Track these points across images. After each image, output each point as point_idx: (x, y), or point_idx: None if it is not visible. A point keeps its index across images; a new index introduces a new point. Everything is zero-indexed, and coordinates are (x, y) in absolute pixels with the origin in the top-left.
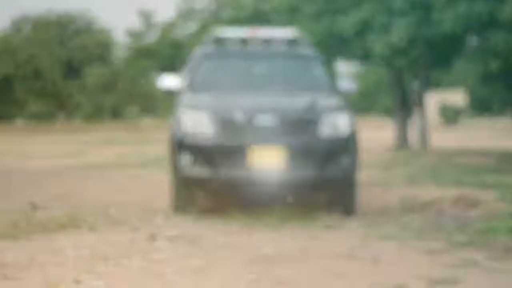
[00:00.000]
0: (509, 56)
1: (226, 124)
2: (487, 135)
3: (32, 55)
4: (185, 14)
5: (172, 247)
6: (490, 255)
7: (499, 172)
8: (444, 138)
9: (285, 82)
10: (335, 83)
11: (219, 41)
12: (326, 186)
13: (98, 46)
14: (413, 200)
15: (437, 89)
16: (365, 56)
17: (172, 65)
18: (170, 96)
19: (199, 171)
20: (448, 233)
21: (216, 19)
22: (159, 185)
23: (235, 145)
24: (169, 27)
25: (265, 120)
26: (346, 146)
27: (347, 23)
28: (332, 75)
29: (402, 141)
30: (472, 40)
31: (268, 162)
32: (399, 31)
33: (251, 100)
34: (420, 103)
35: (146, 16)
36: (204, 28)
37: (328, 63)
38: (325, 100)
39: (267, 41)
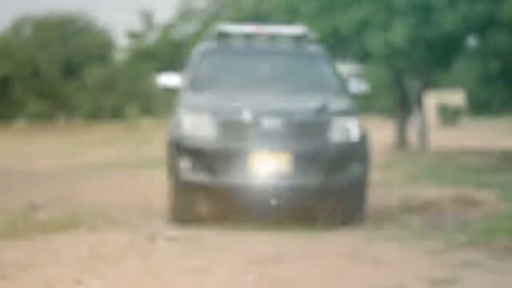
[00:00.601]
0: (509, 56)
1: (228, 127)
2: (487, 135)
3: (32, 56)
4: (185, 15)
5: (171, 247)
6: (491, 255)
7: (499, 172)
8: (444, 138)
9: (291, 81)
10: (344, 83)
11: (222, 36)
12: (334, 194)
13: (98, 47)
14: (413, 200)
15: (437, 89)
16: (364, 56)
17: (171, 66)
18: (170, 96)
19: (199, 176)
20: (448, 233)
21: (215, 19)
22: (159, 185)
23: (237, 149)
24: (168, 27)
25: (270, 123)
26: (357, 152)
27: (346, 21)
28: (340, 75)
29: (402, 141)
30: (472, 41)
31: (273, 168)
32: (400, 31)
33: (255, 101)
34: (419, 103)
35: (145, 17)
36: (204, 28)
37: None
38: (334, 102)
39: (272, 37)
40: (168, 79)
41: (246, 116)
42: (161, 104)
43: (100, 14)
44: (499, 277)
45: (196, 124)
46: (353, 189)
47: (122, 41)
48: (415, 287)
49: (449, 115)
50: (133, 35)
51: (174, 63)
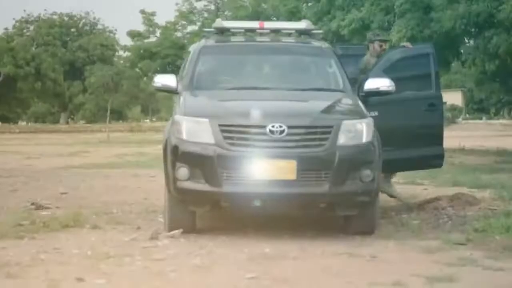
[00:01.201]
0: (507, 56)
1: (229, 131)
2: (484, 134)
3: (35, 56)
4: (186, 15)
5: (173, 246)
6: (488, 253)
7: (496, 171)
8: None
9: (296, 80)
10: (352, 81)
11: (221, 33)
12: (344, 202)
13: (101, 47)
14: (411, 199)
15: None
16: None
17: (174, 66)
18: (172, 96)
19: (198, 185)
20: (445, 232)
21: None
22: (161, 184)
23: (239, 156)
24: (169, 27)
25: (274, 127)
26: (367, 157)
27: (346, 23)
28: (346, 72)
29: None
30: (471, 41)
31: (277, 175)
32: (398, 30)
33: (257, 103)
34: None
35: (147, 17)
36: (204, 27)
37: None
38: (342, 104)
39: (275, 32)
40: (165, 80)
41: (248, 120)
42: (163, 105)
43: (103, 15)
44: (495, 275)
45: (194, 129)
46: (364, 196)
47: (125, 42)
48: (413, 285)
49: (447, 115)
50: (135, 36)
51: (175, 62)
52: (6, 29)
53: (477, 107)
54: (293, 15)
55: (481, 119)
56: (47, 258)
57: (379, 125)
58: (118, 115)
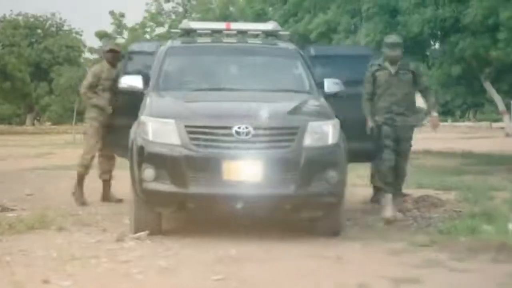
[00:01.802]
0: (471, 60)
1: (194, 133)
2: (449, 137)
3: (0, 57)
4: (154, 16)
5: (139, 247)
6: (453, 255)
7: (462, 173)
8: None
9: (262, 81)
10: (318, 83)
11: (188, 34)
12: (309, 204)
13: (66, 48)
14: (373, 204)
15: None
16: None
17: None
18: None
19: (164, 186)
20: (411, 234)
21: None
22: (127, 186)
23: (205, 157)
24: (137, 28)
25: (240, 128)
26: (333, 158)
27: (313, 26)
28: (314, 74)
29: None
30: (437, 44)
31: (243, 176)
32: (366, 34)
33: (223, 104)
34: None
35: (116, 18)
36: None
37: None
38: (308, 105)
39: (242, 33)
40: (131, 81)
41: (214, 121)
42: None
43: (73, 16)
44: (460, 277)
45: (160, 130)
46: (330, 197)
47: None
48: (378, 286)
49: None
50: (103, 36)
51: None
52: None
53: (443, 110)
54: (260, 17)
55: (446, 121)
56: (12, 260)
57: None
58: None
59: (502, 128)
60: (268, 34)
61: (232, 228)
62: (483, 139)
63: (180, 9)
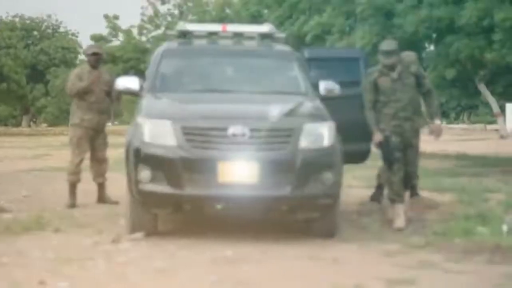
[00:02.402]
0: (466, 62)
1: (190, 134)
2: (444, 139)
3: None
4: (150, 19)
5: (135, 249)
6: (447, 256)
7: (457, 175)
8: None
9: (258, 83)
10: (314, 84)
11: (184, 36)
12: (305, 205)
13: (62, 50)
14: (372, 202)
15: None
16: None
17: (136, 70)
18: (135, 100)
19: (160, 187)
20: (406, 235)
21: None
22: (123, 188)
23: (201, 158)
24: (132, 31)
25: (236, 130)
26: (329, 160)
27: (308, 28)
28: (309, 76)
29: None
30: (431, 46)
31: (239, 178)
32: (363, 37)
33: (219, 106)
34: None
35: (111, 21)
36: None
37: None
38: (304, 107)
39: (237, 36)
40: (127, 83)
41: (210, 122)
42: (125, 108)
43: (68, 18)
44: (455, 278)
45: (156, 131)
46: (325, 199)
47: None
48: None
49: None
50: (98, 39)
51: (138, 66)
52: None
53: None
54: (255, 19)
55: (441, 123)
56: (9, 261)
57: None
58: None
59: (497, 130)
60: (264, 36)
61: (228, 230)
62: (477, 141)
63: (176, 12)
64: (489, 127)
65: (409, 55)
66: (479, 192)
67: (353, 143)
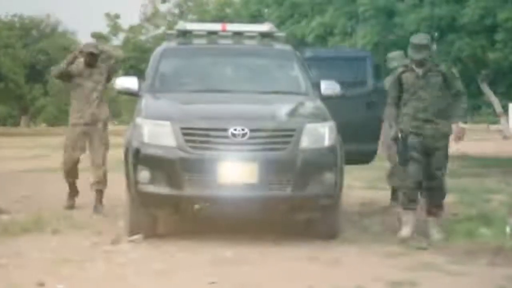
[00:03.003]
0: (468, 61)
1: (190, 135)
2: None
3: None
4: (150, 18)
5: (134, 250)
6: (449, 258)
7: (459, 175)
8: None
9: (258, 83)
10: (314, 84)
11: (183, 35)
12: (306, 206)
13: (62, 49)
14: (372, 203)
15: None
16: None
17: (136, 69)
18: (134, 100)
19: (159, 188)
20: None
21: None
22: (122, 188)
23: (201, 159)
24: (132, 30)
25: (236, 130)
26: (330, 160)
27: (308, 27)
28: (310, 76)
29: None
30: (434, 45)
31: (240, 178)
32: (363, 35)
33: (219, 106)
34: None
35: (111, 20)
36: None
37: None
38: (305, 107)
39: (238, 35)
40: (126, 82)
41: (210, 123)
42: (125, 108)
43: (66, 17)
44: (457, 280)
45: (156, 132)
46: (326, 199)
47: None
48: None
49: None
50: (98, 37)
51: (139, 66)
52: None
53: None
54: (255, 19)
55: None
56: (7, 262)
57: None
58: None
59: (500, 130)
60: (264, 35)
61: (228, 231)
62: (480, 141)
63: (176, 11)
64: (492, 127)
65: None
66: (481, 193)
67: (359, 143)
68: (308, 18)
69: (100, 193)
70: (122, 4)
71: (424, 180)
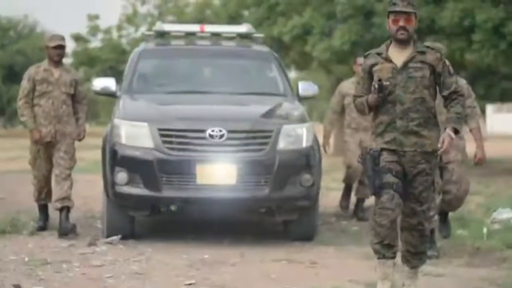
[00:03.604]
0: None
1: (167, 136)
2: None
3: None
4: (129, 19)
5: (111, 252)
6: (427, 259)
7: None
8: None
9: (236, 84)
10: (291, 86)
11: (161, 36)
12: (283, 207)
13: (39, 51)
14: (351, 205)
15: None
16: (304, 62)
17: (114, 71)
18: (113, 101)
19: (136, 189)
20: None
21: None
22: (99, 190)
23: (178, 160)
24: (110, 31)
25: (213, 131)
26: (307, 161)
27: (287, 29)
28: (288, 77)
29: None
30: None
31: (217, 180)
32: (342, 36)
33: (197, 107)
34: None
35: (91, 20)
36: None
37: None
38: (282, 108)
39: (216, 36)
40: (104, 84)
41: (188, 124)
42: (103, 109)
43: (45, 18)
44: (434, 281)
45: (133, 133)
46: (304, 200)
47: (70, 45)
48: None
49: None
50: (77, 39)
51: (117, 68)
52: None
53: None
54: (234, 20)
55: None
56: None
57: None
58: None
59: None
60: (242, 36)
61: (206, 232)
62: None
63: (156, 12)
64: None
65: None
66: None
67: None
68: (286, 18)
69: (64, 212)
70: (102, 5)
71: (402, 216)
